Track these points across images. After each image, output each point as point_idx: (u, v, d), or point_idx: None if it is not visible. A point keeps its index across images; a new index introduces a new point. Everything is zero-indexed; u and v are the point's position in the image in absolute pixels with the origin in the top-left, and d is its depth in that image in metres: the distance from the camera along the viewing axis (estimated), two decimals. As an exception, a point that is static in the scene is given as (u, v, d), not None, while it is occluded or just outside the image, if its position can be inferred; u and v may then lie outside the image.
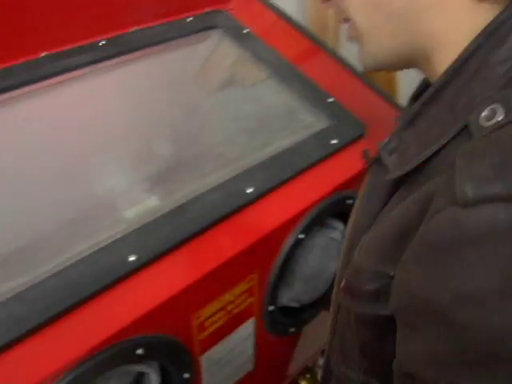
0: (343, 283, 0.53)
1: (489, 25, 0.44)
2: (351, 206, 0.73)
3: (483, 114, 0.41)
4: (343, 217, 0.76)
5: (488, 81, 0.43)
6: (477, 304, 0.33)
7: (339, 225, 0.78)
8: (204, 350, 0.64)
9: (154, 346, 0.55)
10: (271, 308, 0.70)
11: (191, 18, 0.93)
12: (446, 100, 0.47)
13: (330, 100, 0.80)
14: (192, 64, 0.89)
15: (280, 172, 0.67)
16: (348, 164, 0.73)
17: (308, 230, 0.68)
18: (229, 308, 0.64)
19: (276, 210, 0.65)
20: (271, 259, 0.66)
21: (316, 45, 0.94)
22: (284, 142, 0.71)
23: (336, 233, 0.77)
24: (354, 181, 0.73)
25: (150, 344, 0.54)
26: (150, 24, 0.89)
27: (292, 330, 0.79)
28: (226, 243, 0.60)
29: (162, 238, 0.57)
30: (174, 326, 0.58)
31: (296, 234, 0.66)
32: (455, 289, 0.34)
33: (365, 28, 0.52)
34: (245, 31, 0.91)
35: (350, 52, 1.25)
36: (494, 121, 0.40)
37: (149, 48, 0.86)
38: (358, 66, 0.97)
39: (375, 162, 0.55)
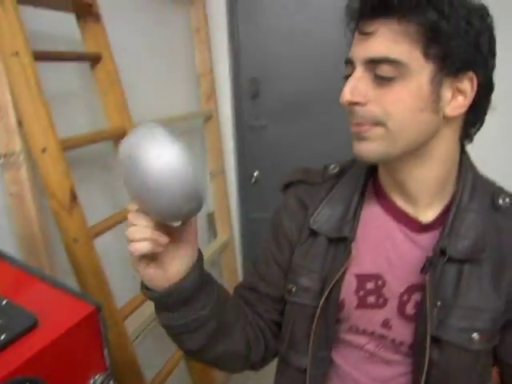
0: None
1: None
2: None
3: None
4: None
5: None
6: None
7: None
8: None
9: None
10: None
11: None
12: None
13: (4, 303, 0.92)
14: None
15: None
16: (19, 354, 0.84)
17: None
18: None
19: None
20: None
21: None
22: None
23: None
24: (29, 366, 0.83)
25: None
26: None
27: None
28: None
29: None
30: None
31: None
32: None
33: (396, 128, 0.78)
34: None
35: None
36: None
37: None
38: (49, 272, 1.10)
39: (435, 262, 0.83)
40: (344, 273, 0.90)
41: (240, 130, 3.06)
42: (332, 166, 1.01)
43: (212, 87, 2.76)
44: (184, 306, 0.85)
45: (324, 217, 0.94)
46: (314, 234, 0.95)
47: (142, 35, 2.23)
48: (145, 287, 0.87)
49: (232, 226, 2.99)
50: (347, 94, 0.80)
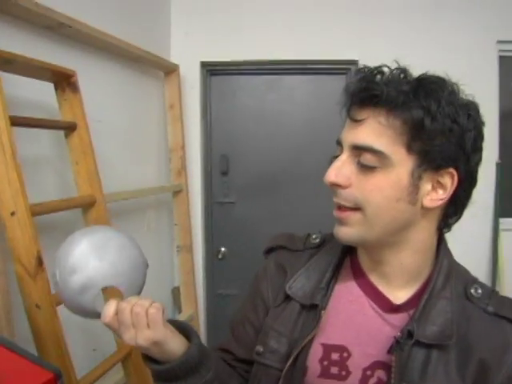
0: None
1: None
2: None
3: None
4: None
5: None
6: None
7: None
8: None
9: None
10: None
11: None
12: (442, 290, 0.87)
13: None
14: None
15: None
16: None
17: None
18: None
19: None
20: None
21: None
22: None
23: None
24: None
25: None
26: None
27: None
28: None
29: None
30: None
31: None
32: None
33: (372, 214, 0.81)
34: None
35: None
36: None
37: None
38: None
39: (403, 343, 0.82)
40: (312, 340, 0.90)
41: (208, 205, 3.09)
42: (314, 235, 1.03)
43: (183, 162, 2.81)
44: (192, 373, 0.87)
45: (299, 284, 0.95)
46: (288, 298, 0.95)
47: (117, 108, 2.29)
48: (151, 363, 0.88)
49: (197, 301, 2.94)
50: (331, 176, 0.83)
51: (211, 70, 3.00)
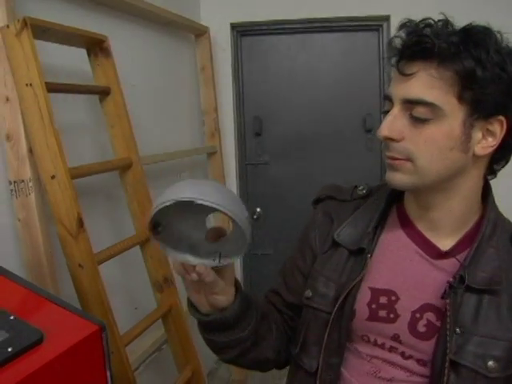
0: None
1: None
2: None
3: None
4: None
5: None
6: None
7: None
8: None
9: None
10: None
11: None
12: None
13: (12, 318, 0.94)
14: None
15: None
16: (24, 367, 0.85)
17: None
18: None
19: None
20: None
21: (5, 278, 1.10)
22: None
23: None
24: (33, 379, 0.84)
25: None
26: None
27: None
28: None
29: None
30: None
31: None
32: None
33: (424, 164, 0.84)
34: None
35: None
36: None
37: None
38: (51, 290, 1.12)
39: (456, 288, 0.86)
40: (359, 284, 0.94)
41: (243, 166, 3.11)
42: (361, 186, 1.07)
43: (216, 124, 2.83)
44: (224, 331, 0.94)
45: (347, 231, 1.00)
46: (336, 245, 1.00)
47: (150, 72, 2.32)
48: (191, 305, 0.96)
49: (234, 262, 2.99)
50: (385, 130, 0.85)
51: (241, 31, 2.98)
